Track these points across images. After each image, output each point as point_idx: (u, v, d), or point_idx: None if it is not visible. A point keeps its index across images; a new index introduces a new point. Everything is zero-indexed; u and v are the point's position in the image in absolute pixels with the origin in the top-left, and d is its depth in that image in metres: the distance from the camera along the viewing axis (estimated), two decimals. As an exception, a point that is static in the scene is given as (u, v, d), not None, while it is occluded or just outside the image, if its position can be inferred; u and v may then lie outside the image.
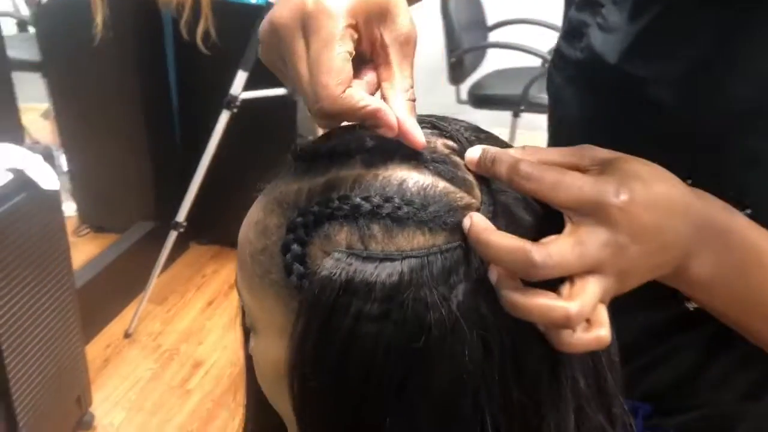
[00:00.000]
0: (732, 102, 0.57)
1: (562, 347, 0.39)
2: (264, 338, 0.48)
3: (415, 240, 0.40)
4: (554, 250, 0.38)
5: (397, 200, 0.41)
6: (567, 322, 0.38)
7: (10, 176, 1.48)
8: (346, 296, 0.40)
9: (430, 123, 0.47)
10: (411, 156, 0.43)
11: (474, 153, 0.43)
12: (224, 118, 2.10)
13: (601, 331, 0.40)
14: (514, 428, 0.41)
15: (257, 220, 0.47)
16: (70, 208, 2.74)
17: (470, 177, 0.43)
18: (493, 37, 3.14)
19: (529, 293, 0.38)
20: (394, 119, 0.43)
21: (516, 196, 0.42)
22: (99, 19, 2.19)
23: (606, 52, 0.64)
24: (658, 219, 0.41)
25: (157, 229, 2.49)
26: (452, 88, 3.03)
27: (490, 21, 3.15)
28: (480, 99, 2.94)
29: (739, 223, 0.47)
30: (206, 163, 2.15)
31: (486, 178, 0.43)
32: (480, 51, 3.08)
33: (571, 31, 0.69)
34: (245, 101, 2.09)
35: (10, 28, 3.49)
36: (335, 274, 0.40)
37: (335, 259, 0.41)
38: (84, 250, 2.55)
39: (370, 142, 0.44)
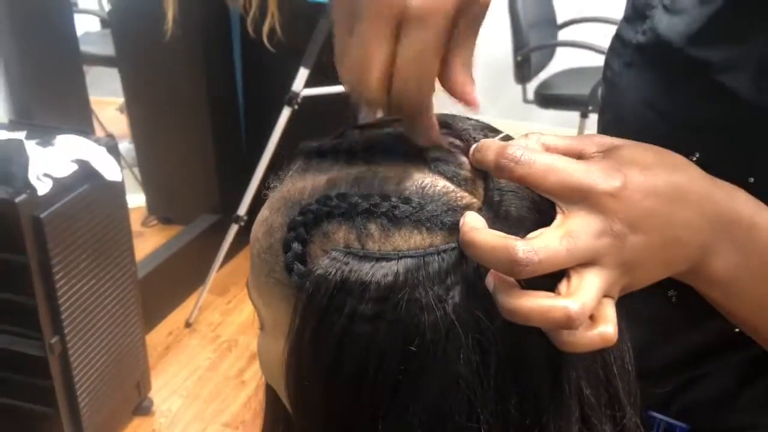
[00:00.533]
0: None
1: (564, 347, 0.37)
2: (268, 336, 0.48)
3: (412, 240, 0.40)
4: (539, 245, 0.36)
5: (394, 199, 0.40)
6: (569, 322, 0.35)
7: (75, 167, 1.53)
8: (340, 295, 0.39)
9: (438, 121, 0.45)
10: (414, 154, 0.42)
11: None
12: (285, 114, 2.13)
13: (607, 328, 0.37)
14: None
15: (264, 218, 0.47)
16: (139, 199, 2.83)
17: (473, 176, 0.42)
18: (563, 35, 3.07)
19: (524, 296, 0.36)
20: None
21: (523, 197, 0.40)
22: (170, 15, 2.26)
23: (671, 35, 0.59)
24: (662, 207, 0.38)
25: (220, 222, 2.54)
26: (518, 88, 2.98)
27: (561, 19, 3.09)
28: (547, 99, 2.88)
29: (767, 218, 0.43)
30: (267, 158, 2.18)
31: (491, 178, 0.41)
32: (548, 50, 3.02)
33: (634, 14, 0.65)
34: (306, 98, 2.11)
35: (94, 25, 3.66)
36: (330, 273, 0.40)
37: (331, 258, 0.40)
38: (152, 241, 2.64)
39: (375, 140, 0.44)
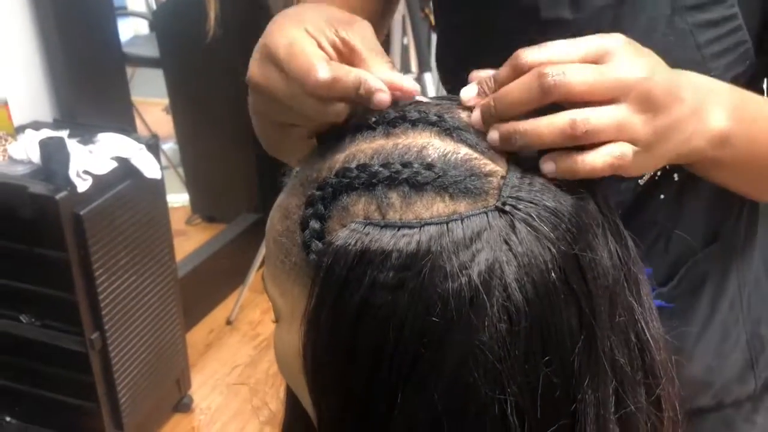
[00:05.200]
0: None
1: (576, 164, 0.40)
2: (285, 326, 0.46)
3: (435, 207, 0.39)
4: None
5: (416, 165, 0.40)
6: (573, 126, 0.40)
7: (115, 165, 1.55)
8: (360, 266, 0.38)
9: (453, 99, 0.46)
10: (433, 124, 0.42)
11: (469, 92, 0.44)
12: (324, 112, 2.12)
13: (623, 147, 0.41)
14: (542, 410, 0.38)
15: (280, 202, 0.46)
16: (184, 198, 2.87)
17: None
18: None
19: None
20: (378, 83, 0.43)
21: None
22: (212, 16, 2.28)
23: None
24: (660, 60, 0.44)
25: (261, 221, 2.55)
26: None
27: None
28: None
29: (739, 90, 0.50)
30: (306, 156, 2.18)
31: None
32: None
33: None
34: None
35: (143, 28, 3.75)
36: (350, 244, 0.39)
37: (351, 229, 0.39)
38: (195, 239, 2.66)
39: (392, 114, 0.43)
